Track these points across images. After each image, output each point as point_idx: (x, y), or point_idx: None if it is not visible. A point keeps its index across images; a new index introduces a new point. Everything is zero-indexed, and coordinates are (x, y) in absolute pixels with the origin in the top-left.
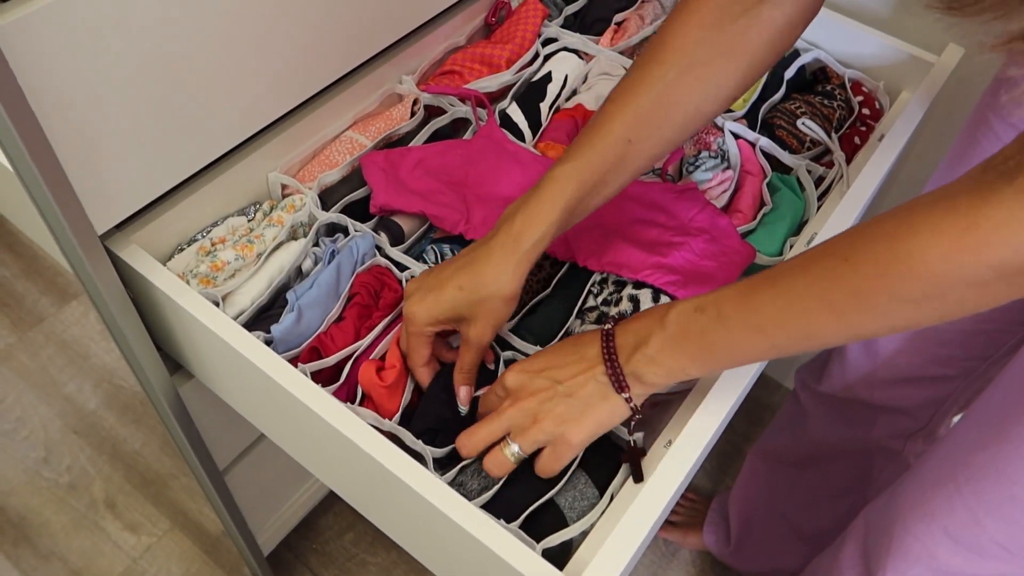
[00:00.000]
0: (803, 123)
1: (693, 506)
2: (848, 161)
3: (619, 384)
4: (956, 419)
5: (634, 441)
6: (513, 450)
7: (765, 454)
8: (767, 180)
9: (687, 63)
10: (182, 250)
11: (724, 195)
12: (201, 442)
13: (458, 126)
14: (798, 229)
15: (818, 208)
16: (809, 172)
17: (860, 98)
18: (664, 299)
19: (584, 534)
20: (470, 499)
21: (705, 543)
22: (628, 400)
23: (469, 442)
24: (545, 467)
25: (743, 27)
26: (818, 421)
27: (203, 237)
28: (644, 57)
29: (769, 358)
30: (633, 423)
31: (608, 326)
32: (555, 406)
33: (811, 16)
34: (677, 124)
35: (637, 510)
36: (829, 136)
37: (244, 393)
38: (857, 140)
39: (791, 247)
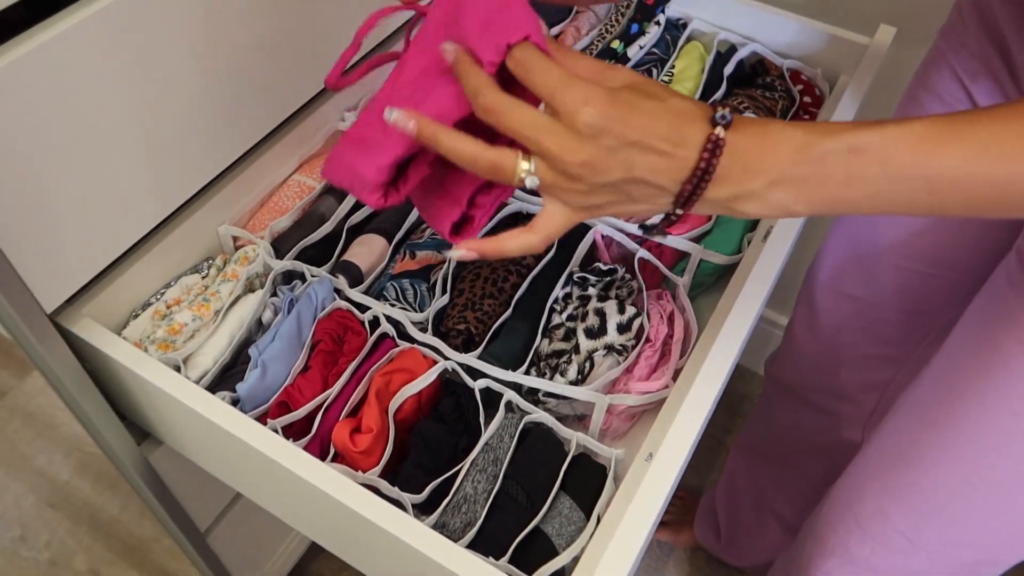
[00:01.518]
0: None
1: (683, 504)
2: None
3: (683, 202)
4: None
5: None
6: (529, 180)
7: (744, 449)
8: None
9: None
10: (137, 316)
11: None
12: (179, 507)
13: None
14: (754, 224)
15: None
16: None
17: (800, 87)
18: (630, 313)
19: (575, 560)
20: (454, 539)
21: (698, 539)
22: (673, 214)
23: (510, 111)
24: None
25: None
26: (782, 413)
27: (157, 300)
28: None
29: (912, 215)
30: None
31: (719, 133)
32: (606, 197)
33: None
34: None
35: (626, 529)
36: None
37: (216, 456)
38: None
39: (749, 243)
